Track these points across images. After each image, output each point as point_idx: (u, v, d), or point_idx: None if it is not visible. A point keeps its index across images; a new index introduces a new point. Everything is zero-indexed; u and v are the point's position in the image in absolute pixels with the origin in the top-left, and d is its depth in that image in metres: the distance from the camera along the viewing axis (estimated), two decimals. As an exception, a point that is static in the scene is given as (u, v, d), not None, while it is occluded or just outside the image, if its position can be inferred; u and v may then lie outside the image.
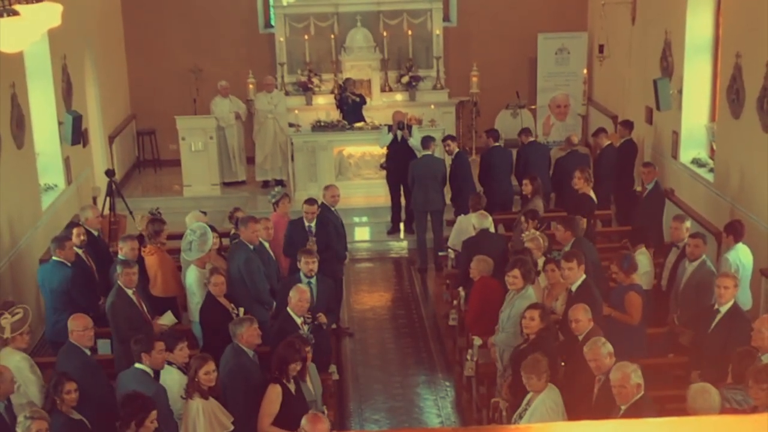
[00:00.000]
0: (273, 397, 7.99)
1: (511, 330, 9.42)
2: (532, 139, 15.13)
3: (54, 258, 10.53)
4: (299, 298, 9.27)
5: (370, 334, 12.61)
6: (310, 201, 11.95)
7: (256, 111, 17.80)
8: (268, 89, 17.70)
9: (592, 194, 12.91)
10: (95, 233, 11.74)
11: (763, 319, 8.31)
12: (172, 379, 8.19)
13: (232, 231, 11.79)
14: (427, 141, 14.53)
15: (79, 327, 8.59)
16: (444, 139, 15.06)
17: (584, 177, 12.85)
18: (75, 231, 11.05)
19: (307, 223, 11.79)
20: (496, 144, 14.91)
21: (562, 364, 8.73)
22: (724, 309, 8.93)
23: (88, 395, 7.76)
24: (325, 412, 8.93)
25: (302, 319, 9.32)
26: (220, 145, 17.49)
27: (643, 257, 10.67)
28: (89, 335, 8.63)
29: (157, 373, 8.16)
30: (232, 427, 7.94)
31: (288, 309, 9.34)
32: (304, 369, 8.32)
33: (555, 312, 9.66)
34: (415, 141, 15.08)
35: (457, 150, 14.74)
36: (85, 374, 7.93)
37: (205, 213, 12.02)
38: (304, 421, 6.71)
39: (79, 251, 10.92)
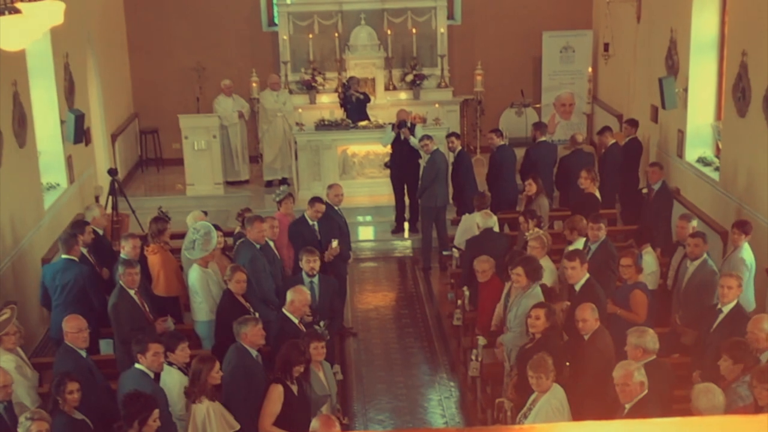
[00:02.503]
0: (275, 397, 7.96)
1: (519, 329, 9.36)
2: (544, 138, 15.04)
3: (63, 256, 10.49)
4: (300, 300, 9.21)
5: (373, 334, 12.57)
6: (320, 200, 11.93)
7: (263, 110, 17.74)
8: (274, 87, 17.64)
9: (598, 194, 12.88)
10: (100, 232, 11.72)
11: (755, 321, 8.24)
12: (173, 380, 8.15)
13: (237, 230, 11.76)
14: (423, 140, 14.50)
15: (73, 329, 8.55)
16: (448, 135, 15.04)
17: (591, 176, 12.83)
18: (87, 229, 11.04)
19: (311, 222, 11.75)
20: (502, 143, 14.84)
21: (567, 364, 8.68)
22: (726, 309, 8.89)
23: (82, 397, 7.70)
24: (339, 408, 8.93)
25: (299, 319, 9.26)
26: (223, 144, 17.44)
27: (649, 257, 10.65)
28: (83, 336, 8.57)
29: (157, 375, 8.11)
30: (238, 426, 7.92)
31: (284, 310, 9.27)
32: (308, 371, 8.28)
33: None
34: (416, 140, 15.03)
35: (459, 148, 14.69)
36: (79, 376, 7.84)
37: (206, 213, 11.95)
38: (315, 423, 6.61)
39: (83, 250, 10.89)
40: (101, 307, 10.16)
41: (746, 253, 10.19)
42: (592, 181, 12.85)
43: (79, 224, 11.20)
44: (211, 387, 7.87)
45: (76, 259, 10.45)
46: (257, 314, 9.50)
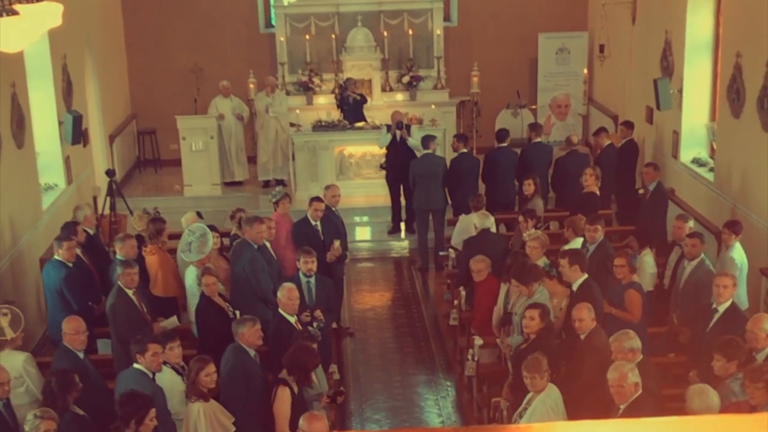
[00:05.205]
0: (285, 400, 7.99)
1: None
2: (539, 139, 15.11)
3: (55, 257, 10.57)
4: (288, 296, 9.27)
5: (370, 333, 12.62)
6: (319, 199, 11.99)
7: (257, 111, 17.81)
8: (270, 89, 17.64)
9: (598, 192, 12.96)
10: (91, 232, 11.74)
11: (755, 320, 8.30)
12: (165, 379, 8.20)
13: (233, 231, 11.79)
14: (427, 140, 14.52)
15: (71, 330, 8.57)
16: (454, 136, 15.11)
17: (595, 174, 12.93)
18: (78, 229, 11.08)
19: (313, 222, 11.81)
20: (502, 144, 14.86)
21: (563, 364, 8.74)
22: (722, 308, 8.95)
23: (79, 399, 7.74)
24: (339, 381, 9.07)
25: (295, 318, 9.32)
26: (220, 145, 17.48)
27: (649, 258, 10.71)
28: (81, 339, 8.57)
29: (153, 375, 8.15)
30: (233, 429, 7.95)
31: (280, 310, 9.34)
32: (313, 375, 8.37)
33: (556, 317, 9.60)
34: (414, 141, 15.07)
35: (463, 150, 14.64)
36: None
37: (201, 215, 11.96)
38: (301, 421, 6.72)
39: (77, 250, 10.91)
40: (82, 310, 10.08)
41: (737, 252, 10.26)
42: (596, 179, 12.93)
43: (70, 226, 11.22)
44: (207, 388, 7.90)
45: (64, 260, 10.49)
46: (237, 313, 9.59)
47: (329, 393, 8.79)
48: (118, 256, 10.55)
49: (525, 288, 9.51)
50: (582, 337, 8.60)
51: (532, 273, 9.59)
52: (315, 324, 9.64)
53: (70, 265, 10.50)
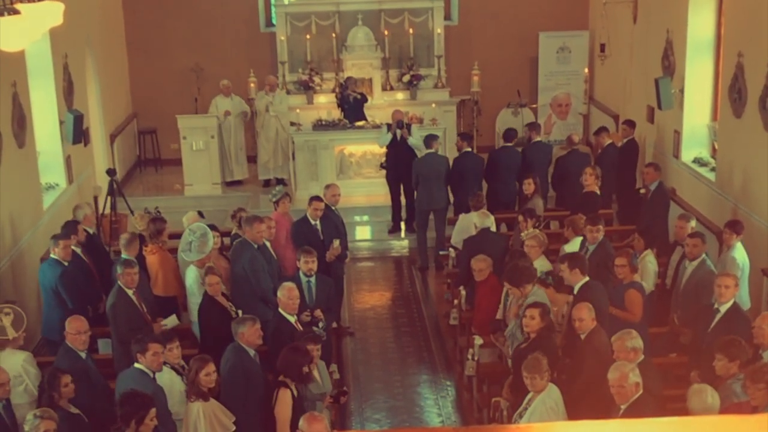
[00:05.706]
0: (286, 403, 7.99)
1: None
2: (538, 138, 15.11)
3: (52, 256, 10.58)
4: (288, 296, 9.28)
5: (370, 333, 12.61)
6: (319, 198, 11.98)
7: (257, 110, 17.81)
8: (270, 89, 17.63)
9: (598, 191, 12.96)
10: (91, 231, 11.74)
11: (764, 316, 8.33)
12: (164, 379, 8.21)
13: (233, 231, 11.79)
14: (429, 139, 14.51)
15: (72, 330, 8.58)
16: (458, 135, 15.09)
17: (595, 174, 12.94)
18: (78, 228, 11.09)
19: (312, 222, 11.81)
20: (507, 144, 14.84)
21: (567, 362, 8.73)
22: (723, 308, 8.94)
23: (78, 398, 7.77)
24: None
25: (295, 317, 9.32)
26: (220, 144, 17.47)
27: (651, 258, 10.72)
28: (82, 339, 8.57)
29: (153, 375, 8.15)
30: (233, 428, 7.96)
31: (280, 310, 9.34)
32: (311, 372, 8.35)
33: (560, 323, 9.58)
34: (414, 140, 15.06)
35: (466, 149, 14.63)
36: (76, 378, 7.88)
37: (202, 215, 11.96)
38: (301, 422, 6.72)
39: (78, 250, 10.92)
40: (77, 309, 10.08)
41: (738, 252, 10.26)
42: (596, 179, 12.94)
43: (70, 225, 11.23)
44: (206, 388, 7.91)
45: (60, 259, 10.50)
46: (240, 312, 9.59)
47: (332, 393, 8.79)
48: (123, 256, 10.54)
49: (517, 290, 9.49)
50: (582, 337, 8.59)
51: (523, 275, 9.54)
52: (320, 324, 9.65)
53: (66, 263, 10.51)
